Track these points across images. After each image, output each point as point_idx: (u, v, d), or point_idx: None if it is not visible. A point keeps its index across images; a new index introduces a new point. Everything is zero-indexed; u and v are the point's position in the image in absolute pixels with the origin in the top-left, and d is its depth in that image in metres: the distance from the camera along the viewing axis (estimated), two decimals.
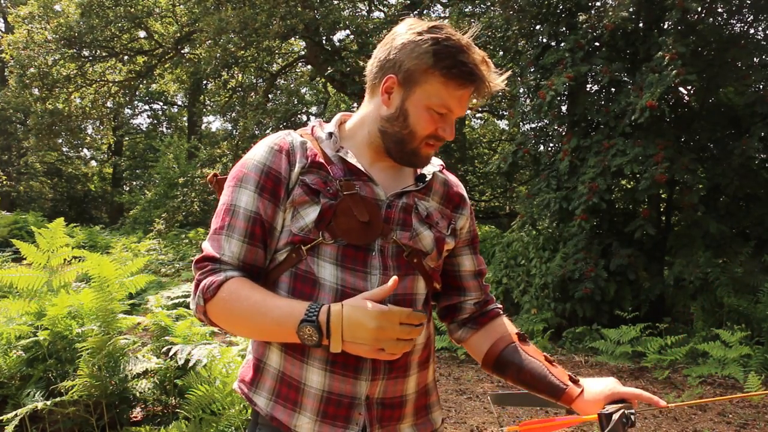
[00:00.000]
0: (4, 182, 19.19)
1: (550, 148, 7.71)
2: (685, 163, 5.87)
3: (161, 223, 13.29)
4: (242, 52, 11.23)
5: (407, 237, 1.22)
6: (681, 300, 6.40)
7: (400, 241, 1.21)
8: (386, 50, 1.20)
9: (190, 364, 3.13)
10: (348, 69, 10.60)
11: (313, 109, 16.92)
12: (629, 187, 6.98)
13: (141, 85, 17.36)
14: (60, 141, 17.64)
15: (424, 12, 10.37)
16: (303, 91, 16.84)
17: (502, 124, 16.43)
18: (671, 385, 5.06)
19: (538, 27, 7.33)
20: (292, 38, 12.25)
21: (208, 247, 1.18)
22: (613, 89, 6.85)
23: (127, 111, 22.40)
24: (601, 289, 6.25)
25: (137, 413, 3.63)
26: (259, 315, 1.10)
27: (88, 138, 20.22)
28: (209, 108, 19.79)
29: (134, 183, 24.60)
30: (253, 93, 12.92)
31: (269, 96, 13.55)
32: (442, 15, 12.18)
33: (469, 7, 10.14)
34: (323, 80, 13.55)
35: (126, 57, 15.02)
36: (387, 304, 1.08)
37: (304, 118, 14.80)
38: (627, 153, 6.00)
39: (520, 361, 1.29)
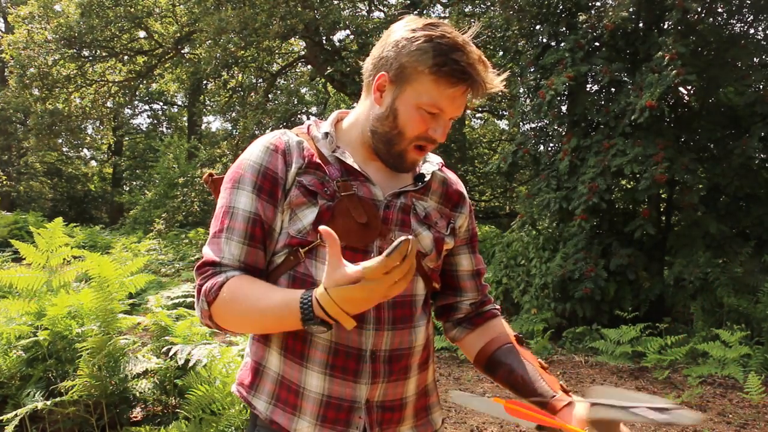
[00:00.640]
0: (4, 182, 19.19)
1: (550, 148, 7.71)
2: (685, 163, 5.87)
3: (161, 223, 13.28)
4: (242, 52, 11.23)
5: None
6: (681, 300, 6.40)
7: None
8: (381, 47, 1.17)
9: (190, 364, 3.13)
10: (348, 69, 10.59)
11: (313, 109, 16.93)
12: (629, 187, 6.98)
13: (141, 85, 17.36)
14: (60, 141, 17.64)
15: (424, 12, 10.36)
16: (303, 91, 16.85)
17: (502, 124, 16.45)
18: (671, 385, 5.06)
19: (538, 27, 7.33)
20: (292, 38, 12.25)
21: (208, 252, 1.16)
22: (613, 89, 6.85)
23: (127, 111, 22.41)
24: (601, 289, 6.25)
25: (137, 413, 3.63)
26: (260, 314, 1.07)
27: (88, 138, 20.22)
28: (209, 108, 19.79)
29: (134, 183, 24.60)
30: (253, 93, 12.91)
31: (269, 96, 13.54)
32: (442, 15, 12.19)
33: (469, 7, 10.15)
34: (323, 80, 13.54)
35: (126, 57, 15.02)
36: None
37: (304, 118, 14.79)
38: (627, 153, 6.00)
39: (512, 362, 1.26)
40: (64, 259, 4.35)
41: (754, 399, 4.47)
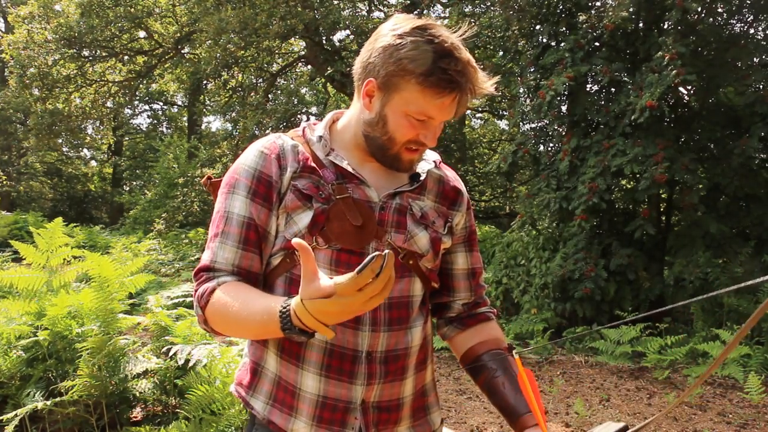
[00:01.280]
0: (4, 182, 19.19)
1: (550, 148, 7.71)
2: (685, 163, 5.87)
3: (161, 223, 13.29)
4: (242, 52, 11.23)
5: (402, 240, 1.20)
6: (681, 300, 6.40)
7: (395, 243, 1.19)
8: (368, 52, 1.15)
9: (190, 364, 3.13)
10: (348, 69, 10.58)
11: (313, 109, 16.91)
12: (629, 187, 6.98)
13: (141, 85, 17.36)
14: (60, 141, 17.67)
15: (424, 12, 10.37)
16: (303, 91, 16.85)
17: (502, 124, 16.44)
18: (671, 385, 5.06)
19: (538, 27, 7.33)
20: (292, 38, 12.24)
21: (204, 257, 1.17)
22: (613, 89, 6.85)
23: (127, 111, 22.39)
24: (601, 289, 6.25)
25: (137, 413, 3.63)
26: (245, 321, 1.06)
27: (88, 138, 20.24)
28: (209, 108, 19.77)
29: (134, 183, 24.58)
30: (253, 93, 12.91)
31: (269, 96, 13.54)
32: (442, 15, 12.18)
33: (469, 7, 10.14)
34: (323, 80, 13.54)
35: (126, 57, 15.02)
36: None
37: (304, 118, 14.79)
38: (627, 153, 6.00)
39: (498, 368, 1.26)
40: (64, 259, 4.35)
41: (754, 399, 4.47)
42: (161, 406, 3.60)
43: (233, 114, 13.30)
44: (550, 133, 7.71)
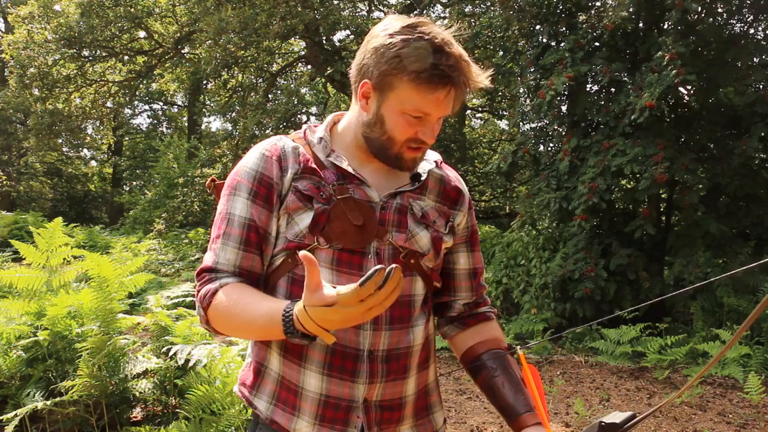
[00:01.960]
0: (4, 182, 19.18)
1: (550, 148, 7.71)
2: (685, 163, 5.87)
3: (161, 223, 13.27)
4: (242, 52, 11.23)
5: (403, 239, 1.20)
6: (681, 300, 6.40)
7: (396, 242, 1.20)
8: (362, 53, 1.16)
9: (190, 364, 3.13)
10: (348, 69, 10.57)
11: (313, 109, 16.90)
12: (629, 187, 6.98)
13: (141, 85, 17.36)
14: (60, 141, 17.66)
15: (424, 12, 10.36)
16: (303, 91, 16.82)
17: (502, 124, 16.45)
18: (671, 385, 5.06)
19: (538, 27, 7.32)
20: (292, 38, 12.25)
21: (206, 258, 1.18)
22: (613, 89, 6.85)
23: (127, 111, 22.40)
24: (601, 289, 6.25)
25: (137, 413, 3.63)
26: (248, 323, 1.08)
27: (88, 138, 20.24)
28: (209, 108, 19.78)
29: (134, 183, 24.57)
30: (253, 93, 12.91)
31: (269, 96, 13.54)
32: (442, 15, 12.18)
33: (469, 7, 10.14)
34: (323, 80, 13.54)
35: (126, 57, 15.02)
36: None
37: (304, 118, 14.79)
38: (627, 153, 6.00)
39: (498, 368, 1.26)
40: (64, 259, 4.35)
41: (754, 399, 4.47)
42: (161, 406, 3.60)
43: (233, 114, 13.31)
44: (550, 133, 7.71)
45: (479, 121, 18.33)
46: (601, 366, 5.63)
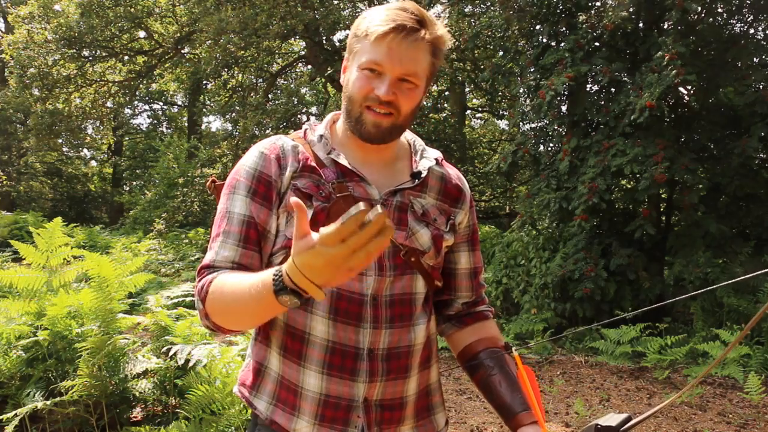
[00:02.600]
0: (4, 182, 19.17)
1: (550, 148, 7.71)
2: (685, 163, 5.87)
3: (161, 223, 13.26)
4: (242, 52, 11.23)
5: (403, 237, 1.20)
6: (681, 300, 6.40)
7: (396, 240, 1.19)
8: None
9: (190, 364, 3.13)
10: None
11: (313, 109, 16.91)
12: (629, 187, 6.98)
13: (141, 85, 17.36)
14: (60, 141, 17.67)
15: None
16: (303, 91, 16.83)
17: (502, 124, 16.46)
18: (671, 385, 5.06)
19: (538, 27, 7.32)
20: (292, 38, 12.25)
21: (206, 257, 1.19)
22: (613, 89, 6.85)
23: (127, 111, 22.38)
24: (601, 289, 6.25)
25: (137, 413, 3.63)
26: (242, 299, 1.05)
27: (88, 138, 20.24)
28: (209, 108, 19.78)
29: (134, 183, 24.56)
30: (253, 93, 12.91)
31: (269, 96, 13.54)
32: (442, 15, 12.17)
33: (469, 7, 10.14)
34: (323, 80, 13.54)
35: (126, 57, 15.03)
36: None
37: (304, 118, 14.78)
38: (627, 153, 6.00)
39: (495, 366, 1.26)
40: (64, 259, 4.34)
41: (754, 399, 4.47)
42: (161, 406, 3.60)
43: (233, 114, 13.29)
44: (550, 133, 7.71)
45: (479, 121, 18.34)
46: (601, 366, 5.63)
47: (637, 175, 6.28)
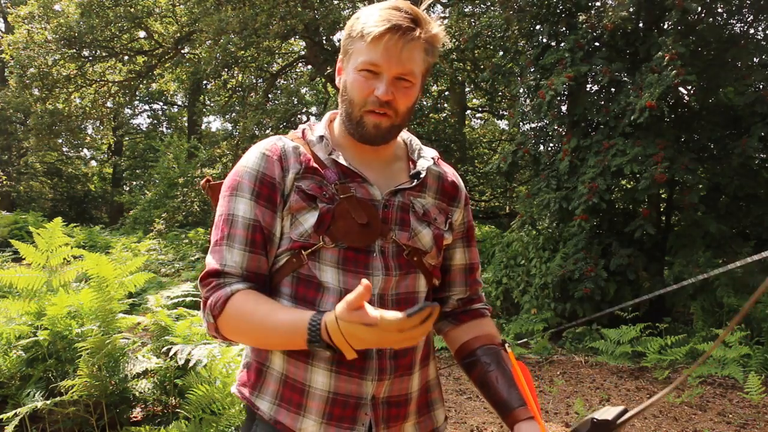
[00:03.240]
0: (4, 182, 19.18)
1: (550, 148, 7.71)
2: (685, 163, 5.87)
3: (161, 223, 13.27)
4: (242, 52, 11.23)
5: (406, 237, 1.21)
6: (681, 300, 6.40)
7: (400, 240, 1.20)
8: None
9: (190, 364, 3.13)
10: None
11: (313, 109, 16.91)
12: (629, 187, 6.98)
13: (141, 85, 17.36)
14: (60, 141, 17.67)
15: (424, 12, 10.34)
16: (303, 91, 16.83)
17: (502, 124, 16.46)
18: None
19: (538, 27, 7.32)
20: (292, 38, 12.25)
21: (210, 261, 1.17)
22: (612, 89, 6.85)
23: (127, 111, 22.39)
24: (601, 289, 6.25)
25: (137, 413, 3.63)
26: (267, 331, 1.09)
27: (88, 138, 20.25)
28: (209, 108, 19.78)
29: (134, 183, 24.57)
30: (253, 93, 12.91)
31: (269, 96, 13.54)
32: (442, 15, 12.17)
33: (469, 7, 10.15)
34: (323, 80, 13.55)
35: (126, 57, 15.03)
36: (375, 304, 1.10)
37: (304, 118, 14.79)
38: (627, 153, 6.00)
39: (492, 363, 1.27)
40: (64, 259, 4.34)
41: (754, 399, 4.47)
42: (161, 406, 3.59)
43: (233, 114, 13.31)
44: (550, 133, 7.70)
45: (479, 121, 18.35)
46: (601, 366, 5.63)
47: (637, 175, 6.28)
